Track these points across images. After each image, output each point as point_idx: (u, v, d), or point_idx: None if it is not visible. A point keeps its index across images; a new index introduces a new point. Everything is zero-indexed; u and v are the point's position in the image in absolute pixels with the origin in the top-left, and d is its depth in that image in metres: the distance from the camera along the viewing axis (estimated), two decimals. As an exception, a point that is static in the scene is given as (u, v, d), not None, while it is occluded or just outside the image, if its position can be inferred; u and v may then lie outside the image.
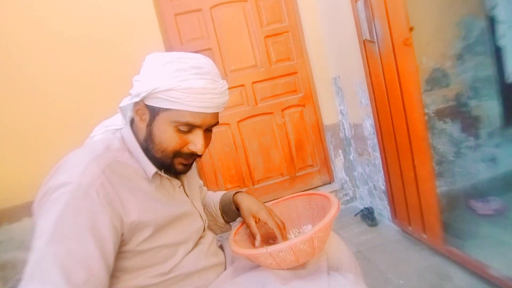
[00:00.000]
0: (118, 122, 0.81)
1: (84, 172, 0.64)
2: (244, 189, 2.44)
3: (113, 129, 0.82)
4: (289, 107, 2.48)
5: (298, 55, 2.45)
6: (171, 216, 0.76)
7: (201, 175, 2.34)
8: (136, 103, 0.74)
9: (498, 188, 1.84)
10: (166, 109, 0.70)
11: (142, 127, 0.75)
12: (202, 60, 0.72)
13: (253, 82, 2.40)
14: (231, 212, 1.00)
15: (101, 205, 0.63)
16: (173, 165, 0.76)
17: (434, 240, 1.61)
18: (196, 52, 2.26)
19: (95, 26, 2.02)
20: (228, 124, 2.37)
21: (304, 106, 2.50)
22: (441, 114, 2.00)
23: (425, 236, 1.67)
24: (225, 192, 1.07)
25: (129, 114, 0.79)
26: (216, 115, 0.77)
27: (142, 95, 0.69)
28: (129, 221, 0.67)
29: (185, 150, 0.75)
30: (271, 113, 2.45)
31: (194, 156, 0.77)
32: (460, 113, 2.00)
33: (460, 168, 1.98)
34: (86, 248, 0.60)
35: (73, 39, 1.99)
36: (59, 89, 2.00)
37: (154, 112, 0.72)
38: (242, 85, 2.37)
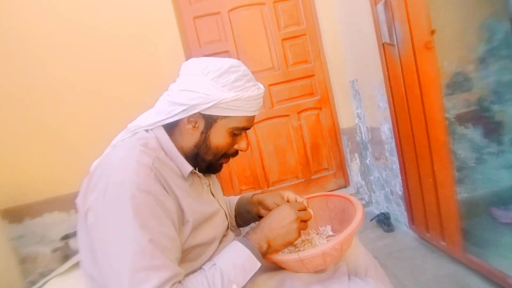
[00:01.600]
0: (142, 123, 0.81)
1: (136, 168, 0.66)
2: (259, 191, 2.45)
3: (143, 128, 0.82)
4: (305, 109, 2.47)
5: (315, 57, 2.45)
6: (205, 214, 0.78)
7: (217, 176, 2.36)
8: (187, 111, 0.76)
9: (521, 196, 1.78)
10: (225, 117, 0.76)
11: (194, 133, 0.78)
12: (244, 67, 0.78)
13: (270, 85, 2.41)
14: (246, 213, 1.01)
15: (163, 194, 0.67)
16: (217, 165, 0.84)
17: (453, 247, 1.57)
18: (214, 54, 2.30)
19: (115, 29, 2.07)
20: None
21: (320, 109, 2.49)
22: (462, 119, 1.96)
23: (443, 243, 1.63)
24: (242, 194, 1.09)
25: (171, 120, 0.77)
26: None
27: (205, 106, 0.73)
28: (179, 211, 0.71)
29: (231, 150, 0.83)
30: (287, 115, 2.45)
31: (235, 154, 0.85)
32: (482, 118, 1.95)
33: (482, 174, 1.93)
34: (169, 231, 0.66)
35: (90, 40, 2.05)
36: (79, 89, 2.06)
37: (211, 120, 0.77)
38: (258, 87, 2.37)
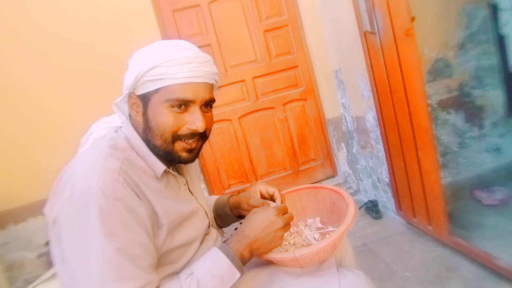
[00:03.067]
0: (116, 121, 0.80)
1: (103, 173, 0.62)
2: (247, 185, 2.44)
3: (113, 126, 0.80)
4: (290, 101, 2.46)
5: (298, 48, 2.43)
6: (182, 214, 0.75)
7: (203, 172, 2.34)
8: (129, 98, 0.74)
9: (503, 178, 1.83)
10: (156, 91, 0.70)
11: (138, 119, 0.74)
12: (182, 41, 0.74)
13: (254, 77, 2.38)
14: (225, 215, 0.99)
15: (133, 199, 0.63)
16: (175, 152, 0.73)
17: (439, 231, 1.60)
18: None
19: (91, 24, 2.00)
20: (229, 120, 2.36)
21: (305, 100, 2.48)
22: (444, 105, 1.99)
23: (430, 227, 1.66)
24: (219, 195, 1.06)
25: (127, 111, 0.78)
26: (208, 89, 0.75)
27: (130, 83, 0.70)
28: (153, 215, 0.68)
29: (184, 131, 0.72)
30: (272, 108, 2.44)
31: (195, 137, 0.74)
32: (464, 103, 1.99)
33: (465, 158, 1.97)
34: (140, 238, 0.62)
35: (69, 38, 1.98)
36: (57, 90, 1.99)
37: (145, 99, 0.72)
38: (242, 81, 2.35)
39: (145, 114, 0.72)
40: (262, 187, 0.90)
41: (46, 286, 1.37)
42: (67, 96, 2.00)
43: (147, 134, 0.73)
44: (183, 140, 0.73)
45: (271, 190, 0.89)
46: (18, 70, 1.94)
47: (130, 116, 0.78)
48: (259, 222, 0.74)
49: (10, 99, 1.94)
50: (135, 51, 0.76)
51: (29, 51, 1.94)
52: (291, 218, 0.78)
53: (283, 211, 0.77)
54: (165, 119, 0.70)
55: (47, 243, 1.82)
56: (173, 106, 0.70)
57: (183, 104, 0.71)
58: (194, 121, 0.72)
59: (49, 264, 1.67)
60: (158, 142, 0.72)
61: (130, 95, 0.74)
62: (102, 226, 0.58)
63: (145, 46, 0.74)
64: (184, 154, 0.74)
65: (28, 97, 1.96)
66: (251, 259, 0.73)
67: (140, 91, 0.72)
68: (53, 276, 1.38)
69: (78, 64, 2.00)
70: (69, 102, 2.00)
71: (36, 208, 2.01)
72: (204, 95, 0.73)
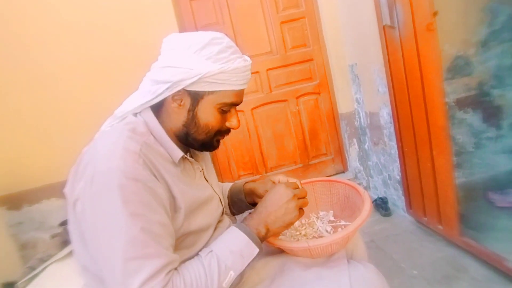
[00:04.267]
0: (128, 107, 0.77)
1: (124, 155, 0.63)
2: (256, 177, 2.45)
3: (130, 113, 0.78)
4: (304, 94, 2.44)
5: (314, 41, 2.40)
6: (198, 200, 0.76)
7: (214, 162, 2.35)
8: (171, 89, 0.72)
9: (518, 180, 1.79)
10: (211, 92, 0.72)
11: (180, 112, 0.74)
12: (227, 39, 0.74)
13: (268, 69, 2.37)
14: (239, 201, 0.99)
15: (153, 181, 0.65)
16: (212, 143, 0.80)
17: (450, 231, 1.59)
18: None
19: (109, 12, 2.01)
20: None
21: (319, 94, 2.46)
22: (462, 104, 1.95)
23: (440, 227, 1.64)
24: (235, 181, 1.07)
25: (156, 100, 0.74)
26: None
27: (189, 81, 0.69)
28: (171, 198, 0.69)
29: (224, 127, 0.79)
30: (285, 100, 2.43)
31: (229, 132, 0.82)
32: (482, 103, 1.94)
33: (480, 159, 1.94)
34: (161, 218, 0.64)
35: (86, 24, 2.00)
36: (74, 74, 2.02)
37: (197, 96, 0.73)
38: (256, 72, 2.34)
39: (192, 110, 0.74)
40: (283, 178, 0.90)
41: (60, 265, 1.42)
42: (84, 80, 2.03)
43: (189, 128, 0.75)
44: (221, 134, 0.80)
45: (292, 181, 0.88)
46: (36, 54, 1.97)
47: (158, 104, 0.75)
48: (269, 197, 0.77)
49: (27, 82, 1.98)
50: (166, 37, 0.75)
51: (47, 35, 1.97)
52: (303, 192, 0.79)
53: (293, 186, 0.79)
54: (215, 120, 0.76)
55: (61, 224, 1.87)
56: (223, 108, 0.75)
57: (231, 106, 0.77)
58: (233, 120, 0.79)
59: (63, 244, 1.72)
60: (201, 136, 0.77)
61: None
62: (125, 205, 0.59)
63: (184, 36, 0.73)
64: (216, 144, 0.82)
65: (45, 81, 1.99)
66: (268, 235, 0.74)
67: (193, 88, 0.71)
68: (67, 255, 1.42)
69: (94, 49, 2.02)
70: (86, 86, 2.03)
71: (50, 190, 2.07)
72: (243, 97, 0.80)
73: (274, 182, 0.90)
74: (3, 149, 1.98)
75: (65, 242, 1.72)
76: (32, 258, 1.84)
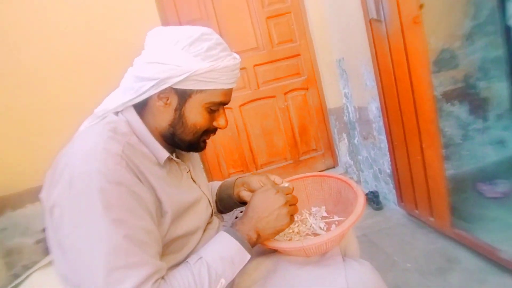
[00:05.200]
0: (110, 106, 0.72)
1: (104, 157, 0.59)
2: (245, 175, 2.42)
3: (111, 111, 0.73)
4: (292, 90, 2.42)
5: (301, 36, 2.38)
6: (186, 202, 0.72)
7: (203, 160, 2.31)
8: (157, 87, 0.67)
9: (506, 170, 1.82)
10: (200, 91, 0.69)
11: (166, 111, 0.71)
12: (216, 35, 0.71)
13: (255, 65, 2.34)
14: (227, 198, 0.94)
15: (137, 184, 0.61)
16: (198, 143, 0.77)
17: (441, 223, 1.59)
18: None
19: (90, 8, 1.95)
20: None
21: (307, 89, 2.45)
22: (449, 96, 1.96)
23: (432, 219, 1.65)
24: (226, 179, 1.03)
25: (141, 98, 0.69)
26: None
27: (176, 79, 0.65)
28: (157, 202, 0.65)
29: (211, 127, 0.76)
30: (273, 96, 2.40)
31: (215, 132, 0.79)
32: (469, 95, 1.96)
33: (468, 151, 1.96)
34: (146, 224, 0.60)
35: (66, 21, 1.93)
36: (57, 76, 1.95)
37: (185, 95, 0.69)
38: (243, 68, 2.31)
39: (179, 109, 0.70)
40: (278, 179, 0.86)
41: (44, 272, 1.36)
42: (66, 81, 1.96)
43: (176, 128, 0.72)
44: (207, 134, 0.77)
45: (285, 185, 0.85)
46: (19, 55, 1.90)
47: (141, 102, 0.71)
48: (260, 202, 0.74)
49: (9, 85, 1.90)
50: (152, 31, 0.71)
51: (30, 35, 1.90)
52: (295, 199, 0.77)
53: (286, 190, 0.77)
54: (203, 119, 0.73)
55: (44, 229, 1.81)
56: (211, 107, 0.72)
57: (220, 105, 0.74)
58: (220, 120, 0.76)
59: (47, 250, 1.65)
60: (188, 137, 0.73)
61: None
62: (107, 211, 0.55)
63: (172, 30, 0.69)
64: (203, 145, 0.79)
65: (27, 82, 1.92)
66: (259, 241, 0.72)
67: (180, 86, 0.67)
68: (51, 262, 1.37)
69: (76, 48, 1.95)
70: (68, 87, 1.96)
71: (34, 194, 1.97)
72: (231, 97, 0.77)
73: (268, 177, 0.86)
74: (-17, 154, 1.90)
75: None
76: (17, 266, 1.78)
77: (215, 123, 0.76)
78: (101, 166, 0.57)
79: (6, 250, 1.88)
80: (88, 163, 0.58)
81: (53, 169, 0.63)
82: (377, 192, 2.17)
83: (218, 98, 0.71)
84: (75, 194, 0.57)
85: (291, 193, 0.78)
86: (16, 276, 1.58)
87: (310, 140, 2.51)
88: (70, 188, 0.57)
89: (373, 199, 2.12)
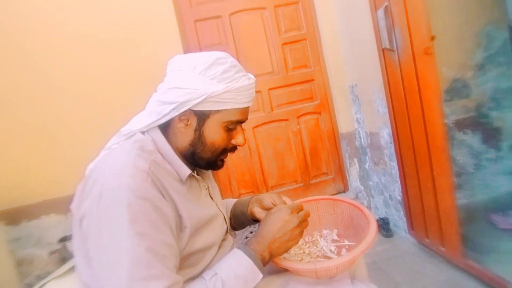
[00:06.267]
0: (135, 126, 0.78)
1: (133, 173, 0.63)
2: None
3: (136, 131, 0.79)
4: (305, 114, 2.48)
5: (315, 62, 2.46)
6: (204, 218, 0.76)
7: (215, 179, 2.34)
8: (177, 109, 0.73)
9: (520, 202, 1.79)
10: (217, 111, 0.74)
11: (187, 132, 0.76)
12: (231, 58, 0.76)
13: (270, 89, 2.41)
14: (241, 215, 0.98)
15: (160, 200, 0.65)
16: (217, 162, 0.80)
17: (452, 253, 1.57)
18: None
19: (115, 32, 2.07)
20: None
21: (320, 113, 2.49)
22: (461, 125, 1.97)
23: (443, 249, 1.63)
24: (241, 197, 1.07)
25: (163, 120, 0.75)
26: None
27: (195, 102, 0.71)
28: (177, 217, 0.69)
29: (229, 146, 0.80)
30: (286, 119, 2.46)
31: (235, 150, 0.83)
32: (481, 124, 1.97)
33: (480, 180, 1.94)
34: (167, 238, 0.63)
35: (91, 43, 2.05)
36: (78, 90, 2.05)
37: (203, 116, 0.74)
38: (258, 91, 2.38)
39: (198, 129, 0.75)
40: (288, 201, 0.89)
41: (58, 282, 1.39)
42: (87, 97, 2.05)
43: (196, 147, 0.76)
44: (226, 153, 0.81)
45: (296, 202, 0.88)
46: (40, 68, 2.00)
47: (164, 123, 0.77)
48: (275, 222, 0.76)
49: (29, 97, 2.00)
50: (171, 59, 0.77)
51: (55, 50, 2.01)
52: (307, 215, 0.79)
53: (298, 209, 0.79)
54: (221, 138, 0.77)
55: (61, 240, 1.85)
56: (229, 126, 0.76)
57: (237, 124, 0.78)
58: (239, 138, 0.80)
59: (61, 261, 1.69)
60: (207, 155, 0.78)
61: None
62: (132, 224, 0.59)
63: (188, 57, 0.75)
64: (220, 163, 0.82)
65: (48, 95, 2.01)
66: (270, 260, 0.74)
67: (199, 108, 0.73)
68: (65, 273, 1.40)
69: (100, 66, 2.06)
70: (89, 103, 2.06)
71: (50, 206, 2.05)
72: (248, 115, 0.81)
73: (280, 196, 0.89)
74: (3, 164, 1.98)
75: (64, 259, 1.69)
76: (29, 275, 1.81)
77: (233, 141, 0.80)
78: (130, 182, 0.62)
79: (18, 260, 1.91)
80: (118, 178, 0.63)
81: (84, 182, 0.68)
82: (387, 219, 2.15)
83: (235, 117, 0.76)
84: (104, 207, 0.61)
85: (302, 209, 0.81)
86: (29, 286, 1.61)
87: (321, 164, 2.53)
88: (99, 200, 0.61)
89: (383, 226, 2.10)
